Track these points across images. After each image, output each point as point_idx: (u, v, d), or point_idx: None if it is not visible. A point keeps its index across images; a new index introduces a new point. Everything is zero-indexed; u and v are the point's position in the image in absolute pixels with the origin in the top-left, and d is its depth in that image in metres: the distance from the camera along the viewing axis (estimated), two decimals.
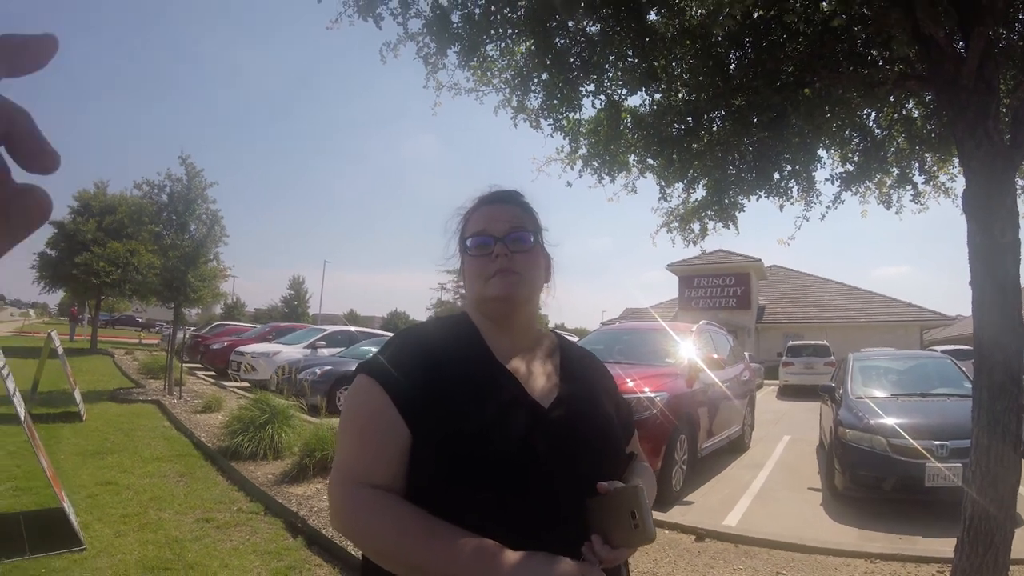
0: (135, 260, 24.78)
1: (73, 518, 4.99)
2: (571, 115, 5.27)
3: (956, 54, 3.63)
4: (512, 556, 1.11)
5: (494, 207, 1.45)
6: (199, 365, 21.89)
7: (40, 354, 11.42)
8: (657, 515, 6.18)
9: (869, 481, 6.88)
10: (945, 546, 4.90)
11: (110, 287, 26.93)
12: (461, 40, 4.46)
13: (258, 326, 27.62)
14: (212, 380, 17.86)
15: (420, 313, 68.21)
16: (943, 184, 5.74)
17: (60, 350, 10.65)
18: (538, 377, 1.40)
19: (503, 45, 4.81)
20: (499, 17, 4.40)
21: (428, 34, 4.48)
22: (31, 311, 70.79)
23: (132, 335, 44.35)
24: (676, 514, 6.63)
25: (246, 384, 16.25)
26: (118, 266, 25.29)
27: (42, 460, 5.06)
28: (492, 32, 4.54)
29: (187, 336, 24.51)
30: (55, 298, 56.14)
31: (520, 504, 1.20)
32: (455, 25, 4.43)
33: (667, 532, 5.86)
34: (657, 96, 5.19)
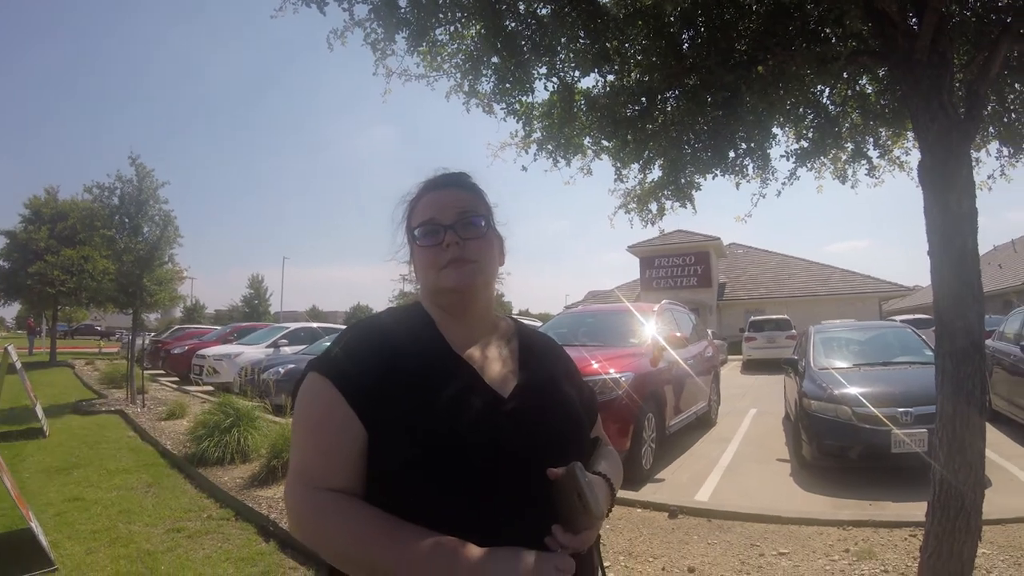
0: (89, 267, 24.16)
1: (42, 537, 4.85)
2: (524, 99, 5.19)
3: (909, 29, 3.64)
4: (477, 552, 1.07)
5: (441, 192, 1.39)
6: (161, 371, 21.47)
7: None
8: (629, 494, 6.22)
9: (836, 450, 6.99)
10: (915, 510, 5.00)
11: (66, 296, 26.32)
12: (409, 25, 4.36)
13: (219, 328, 27.27)
14: (175, 385, 17.57)
15: (383, 306, 67.63)
16: (898, 158, 5.79)
17: (18, 365, 10.34)
18: (496, 366, 1.36)
19: (452, 29, 4.72)
20: (447, 0, 4.33)
21: (375, 20, 4.38)
22: None
23: (92, 344, 43.32)
24: (648, 492, 6.67)
25: (209, 387, 16.03)
26: (72, 274, 24.64)
27: (5, 480, 4.92)
28: (440, 16, 4.45)
29: (147, 342, 24.10)
30: (12, 311, 54.70)
31: (484, 496, 1.16)
32: (403, 10, 4.34)
33: (639, 510, 5.90)
34: (610, 77, 5.14)
